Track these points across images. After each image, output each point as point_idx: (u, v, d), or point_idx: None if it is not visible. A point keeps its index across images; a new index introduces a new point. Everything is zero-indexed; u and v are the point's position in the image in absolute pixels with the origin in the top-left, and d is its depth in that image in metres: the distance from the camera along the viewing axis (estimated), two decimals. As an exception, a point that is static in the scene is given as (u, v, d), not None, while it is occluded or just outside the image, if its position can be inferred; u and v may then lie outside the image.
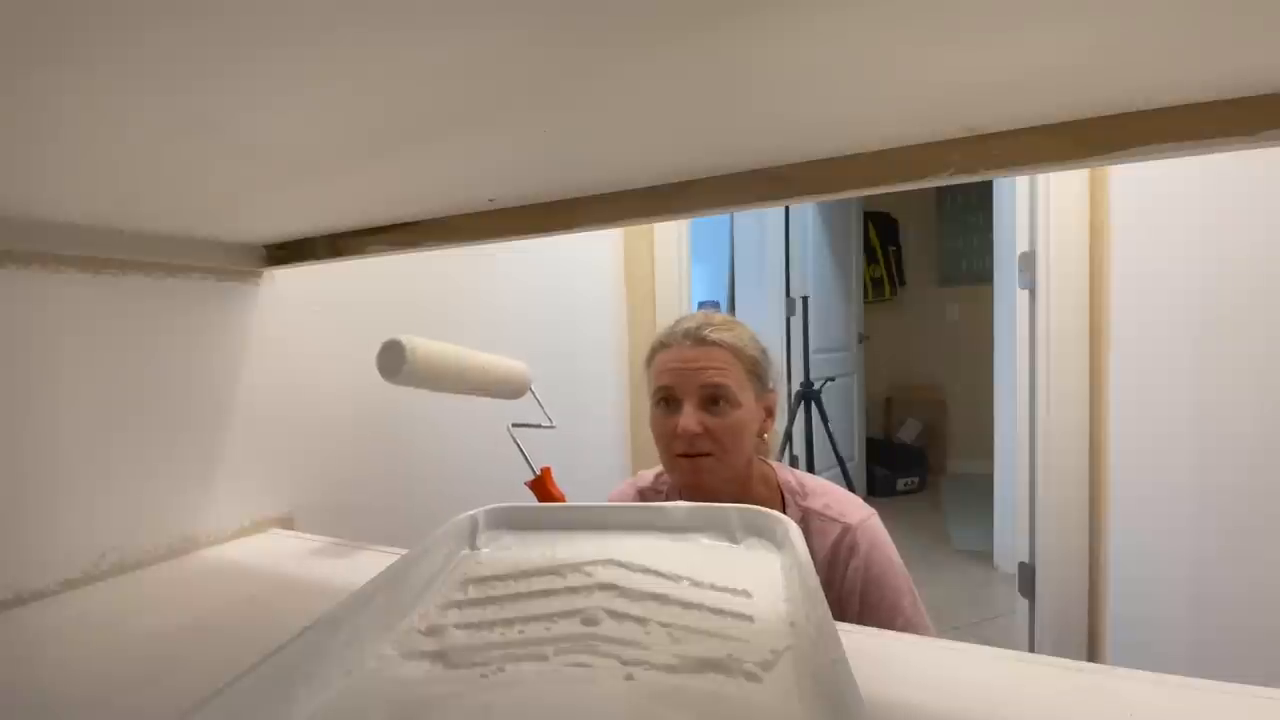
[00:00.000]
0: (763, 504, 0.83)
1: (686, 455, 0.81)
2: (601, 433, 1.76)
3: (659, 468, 0.96)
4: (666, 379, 0.83)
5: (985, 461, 2.68)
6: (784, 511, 0.82)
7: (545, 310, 1.50)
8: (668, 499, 0.92)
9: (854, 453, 3.45)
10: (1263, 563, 0.96)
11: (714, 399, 0.81)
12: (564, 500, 0.82)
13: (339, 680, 0.36)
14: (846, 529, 0.81)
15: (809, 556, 0.46)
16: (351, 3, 0.25)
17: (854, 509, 0.84)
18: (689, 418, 0.80)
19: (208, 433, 0.77)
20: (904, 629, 0.77)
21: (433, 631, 0.41)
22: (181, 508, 0.74)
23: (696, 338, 0.83)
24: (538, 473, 0.83)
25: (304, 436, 0.90)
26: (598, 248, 1.78)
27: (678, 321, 0.88)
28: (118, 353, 0.68)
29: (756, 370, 0.85)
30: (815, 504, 0.85)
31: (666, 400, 0.83)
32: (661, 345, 0.86)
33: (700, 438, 0.80)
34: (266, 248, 0.81)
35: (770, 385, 0.88)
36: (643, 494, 0.97)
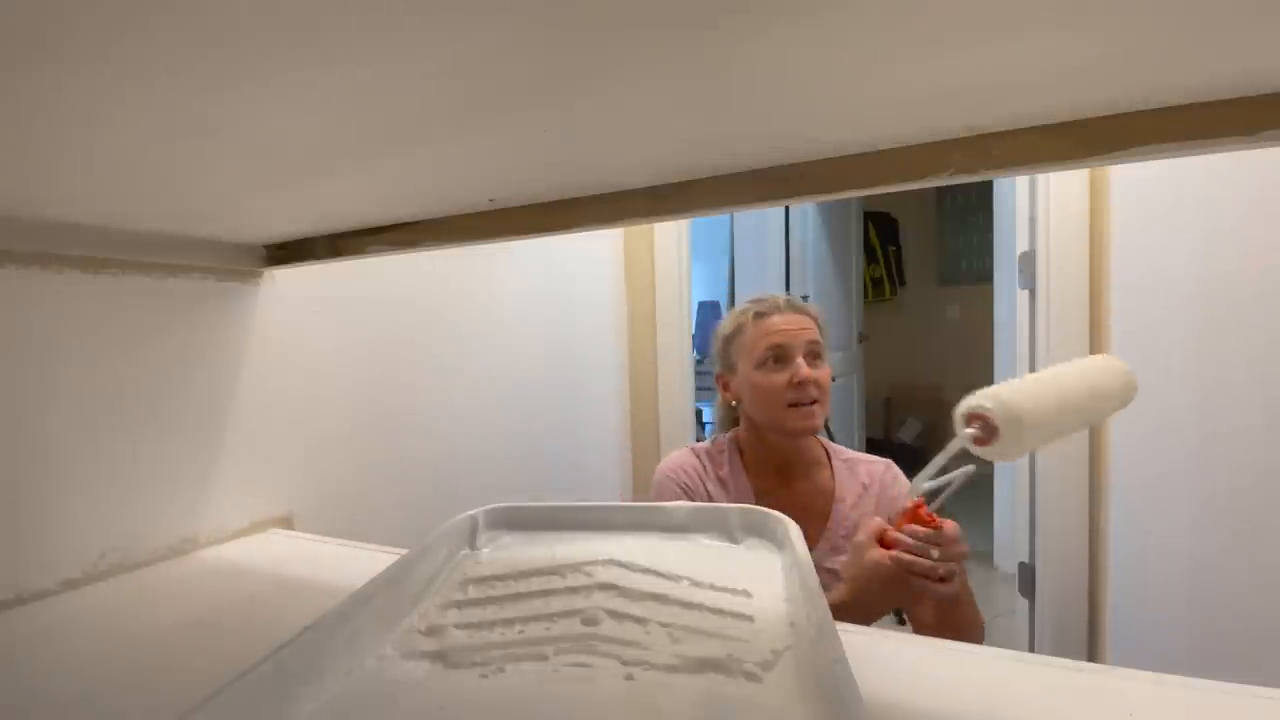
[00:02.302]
0: (820, 457, 1.00)
1: (798, 404, 0.94)
2: (602, 433, 1.76)
3: (702, 443, 1.08)
4: (779, 338, 0.96)
5: (985, 461, 2.68)
6: (829, 464, 1.01)
7: (545, 310, 1.50)
8: (729, 459, 1.03)
9: (854, 452, 3.43)
10: (1263, 562, 0.96)
11: (816, 354, 0.97)
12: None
13: (339, 680, 0.36)
14: (888, 466, 1.02)
15: (809, 556, 0.46)
16: (352, 2, 0.25)
17: (881, 460, 1.04)
18: (803, 366, 0.94)
19: (208, 433, 0.77)
20: None
21: (433, 631, 0.41)
22: (181, 508, 0.74)
23: (794, 307, 0.99)
24: (919, 497, 0.71)
25: (304, 436, 0.90)
26: (598, 248, 1.78)
27: (757, 300, 1.02)
28: (118, 353, 0.68)
29: (825, 335, 1.02)
30: (855, 456, 1.04)
31: (777, 358, 0.96)
32: (758, 315, 0.99)
33: (812, 385, 0.94)
34: (266, 248, 0.81)
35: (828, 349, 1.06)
36: (710, 456, 1.04)
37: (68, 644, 0.53)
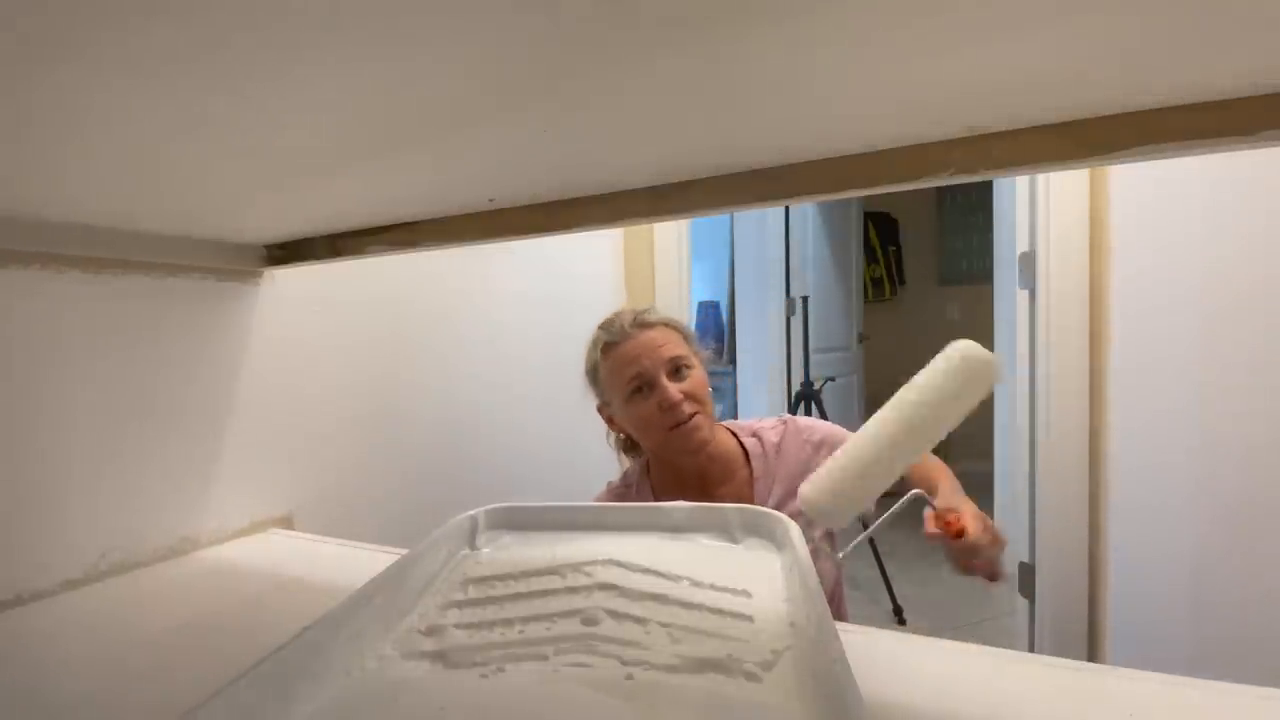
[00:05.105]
0: (732, 448, 0.95)
1: (678, 424, 0.88)
2: (602, 433, 1.76)
3: (616, 480, 1.03)
4: (638, 365, 0.89)
5: (985, 461, 2.68)
6: (743, 448, 0.96)
7: (544, 310, 1.50)
8: (638, 490, 0.97)
9: (854, 452, 3.43)
10: (1263, 562, 0.96)
11: (678, 368, 0.90)
12: None
13: (339, 680, 0.36)
14: (786, 420, 0.98)
15: (809, 556, 0.46)
16: (352, 4, 0.25)
17: (774, 419, 1.00)
18: (669, 389, 0.88)
19: (208, 432, 0.77)
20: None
21: (433, 631, 0.41)
22: (181, 508, 0.74)
23: (640, 324, 0.91)
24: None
25: (304, 436, 0.90)
26: (598, 248, 1.78)
27: (604, 326, 0.94)
28: (118, 353, 0.68)
29: (689, 337, 0.95)
30: (759, 426, 0.99)
31: (640, 387, 0.89)
32: (609, 345, 0.91)
33: (685, 401, 0.88)
34: (266, 248, 0.81)
35: (699, 348, 0.99)
36: (622, 495, 0.99)
37: (68, 644, 0.53)
